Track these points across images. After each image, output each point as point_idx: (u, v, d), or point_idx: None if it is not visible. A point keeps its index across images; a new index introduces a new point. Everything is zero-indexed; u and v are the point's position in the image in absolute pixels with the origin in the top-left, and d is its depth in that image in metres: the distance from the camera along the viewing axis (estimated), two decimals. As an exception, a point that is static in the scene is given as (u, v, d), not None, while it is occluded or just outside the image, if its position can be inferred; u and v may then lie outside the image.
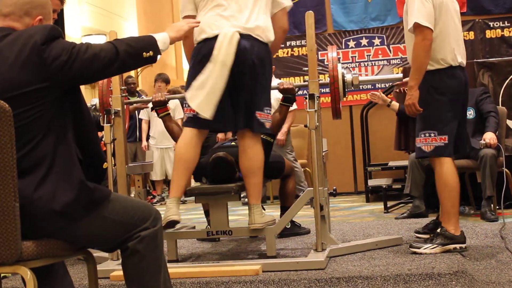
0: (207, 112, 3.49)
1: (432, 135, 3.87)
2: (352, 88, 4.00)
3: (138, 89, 10.29)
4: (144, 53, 2.33)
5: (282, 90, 4.10)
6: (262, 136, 4.22)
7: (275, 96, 7.47)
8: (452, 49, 3.91)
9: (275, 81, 7.59)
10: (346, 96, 4.05)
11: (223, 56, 3.50)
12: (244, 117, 3.68)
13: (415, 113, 3.89)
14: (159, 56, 2.38)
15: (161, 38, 2.42)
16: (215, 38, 3.57)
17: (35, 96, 2.17)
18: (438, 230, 3.90)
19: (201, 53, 3.66)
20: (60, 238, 2.20)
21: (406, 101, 3.91)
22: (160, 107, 4.22)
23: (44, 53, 2.18)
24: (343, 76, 3.89)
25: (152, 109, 4.25)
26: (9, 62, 2.18)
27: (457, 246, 3.84)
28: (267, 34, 3.71)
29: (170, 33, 2.49)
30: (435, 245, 3.82)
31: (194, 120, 3.68)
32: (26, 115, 2.15)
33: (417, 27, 3.80)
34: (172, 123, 4.30)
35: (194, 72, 3.61)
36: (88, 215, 2.20)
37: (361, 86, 7.49)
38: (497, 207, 5.20)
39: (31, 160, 2.14)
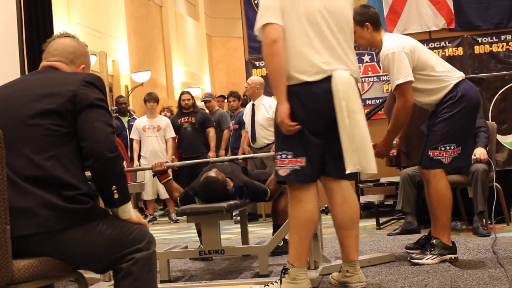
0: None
1: (452, 147, 3.97)
2: None
3: (129, 108, 10.29)
4: (114, 187, 2.28)
5: None
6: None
7: (264, 115, 7.52)
8: (450, 68, 4.09)
9: (265, 99, 7.65)
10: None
11: None
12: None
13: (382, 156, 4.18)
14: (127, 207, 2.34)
15: (128, 208, 2.36)
16: None
17: (61, 115, 2.26)
18: (434, 242, 4.02)
19: None
20: (54, 252, 2.20)
21: (383, 150, 4.13)
22: (161, 174, 4.49)
23: (82, 85, 2.31)
24: None
25: (154, 176, 4.55)
26: (54, 82, 2.35)
27: (452, 256, 3.99)
28: None
29: (134, 216, 2.38)
30: (434, 256, 3.97)
31: (301, 174, 3.35)
32: (50, 128, 2.24)
33: (398, 88, 3.90)
34: (174, 188, 4.55)
35: None
36: (83, 227, 2.21)
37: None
38: (489, 222, 5.21)
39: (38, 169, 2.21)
